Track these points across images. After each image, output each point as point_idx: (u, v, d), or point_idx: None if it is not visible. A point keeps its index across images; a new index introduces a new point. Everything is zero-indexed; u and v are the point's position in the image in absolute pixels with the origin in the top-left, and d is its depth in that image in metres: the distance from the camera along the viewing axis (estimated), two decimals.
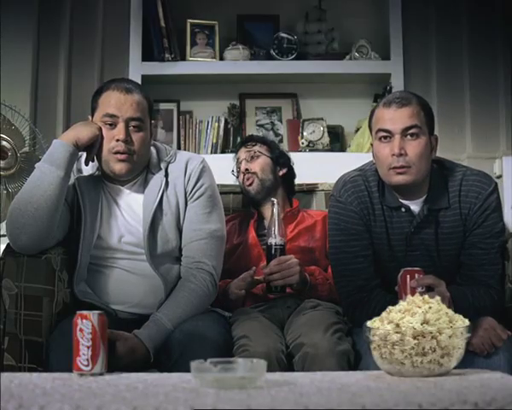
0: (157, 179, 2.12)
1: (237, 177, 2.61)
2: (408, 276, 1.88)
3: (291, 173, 2.62)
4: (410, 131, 1.99)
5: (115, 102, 2.04)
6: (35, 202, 1.99)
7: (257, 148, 2.57)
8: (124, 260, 2.10)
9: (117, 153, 2.04)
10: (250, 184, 2.52)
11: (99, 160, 2.11)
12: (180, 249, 2.13)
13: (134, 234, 2.10)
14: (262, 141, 2.62)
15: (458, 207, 2.06)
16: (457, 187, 2.07)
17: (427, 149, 2.01)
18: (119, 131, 2.03)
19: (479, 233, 2.05)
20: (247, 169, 2.53)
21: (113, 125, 2.04)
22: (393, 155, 1.98)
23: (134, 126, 2.05)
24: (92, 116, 2.12)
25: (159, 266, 2.08)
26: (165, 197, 2.11)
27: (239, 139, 3.33)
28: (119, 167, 2.06)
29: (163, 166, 2.13)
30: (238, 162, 2.59)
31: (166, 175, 2.13)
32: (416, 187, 2.04)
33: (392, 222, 2.08)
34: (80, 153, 2.11)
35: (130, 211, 2.13)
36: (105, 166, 2.09)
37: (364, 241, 2.08)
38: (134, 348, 1.89)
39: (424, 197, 2.06)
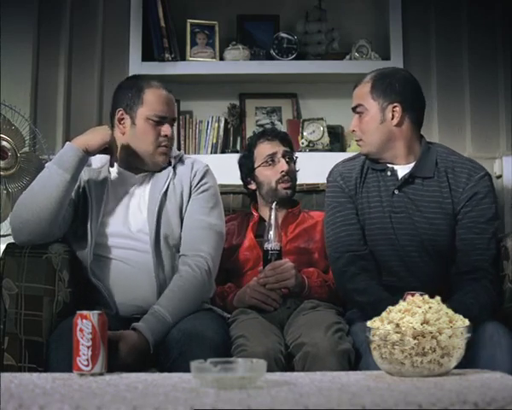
0: (166, 171, 2.25)
1: (247, 164, 2.58)
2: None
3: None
4: (357, 110, 2.24)
5: (163, 102, 2.22)
6: (40, 202, 2.05)
7: (291, 150, 2.59)
8: (127, 251, 2.14)
9: (163, 147, 2.22)
10: (287, 188, 2.51)
11: (129, 154, 2.23)
12: (180, 239, 2.19)
13: (139, 219, 2.17)
14: (291, 143, 2.63)
15: (446, 180, 2.18)
16: (449, 164, 2.20)
17: (375, 122, 2.20)
18: (167, 128, 2.22)
19: (472, 216, 2.13)
20: (287, 171, 2.50)
21: (158, 123, 2.20)
22: (353, 130, 2.27)
23: (172, 124, 2.25)
24: (130, 109, 2.21)
25: (159, 252, 2.13)
26: (171, 185, 2.22)
27: (239, 139, 3.33)
28: (162, 159, 2.24)
29: (172, 161, 2.26)
30: (268, 152, 2.53)
31: (174, 169, 2.25)
32: (384, 154, 2.21)
33: (380, 186, 2.22)
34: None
35: (137, 198, 2.22)
36: (147, 158, 2.22)
37: (347, 211, 2.23)
38: (135, 343, 1.91)
39: (412, 164, 2.21)
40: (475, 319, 1.93)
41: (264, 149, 2.55)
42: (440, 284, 2.07)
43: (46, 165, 2.14)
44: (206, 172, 2.28)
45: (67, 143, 2.13)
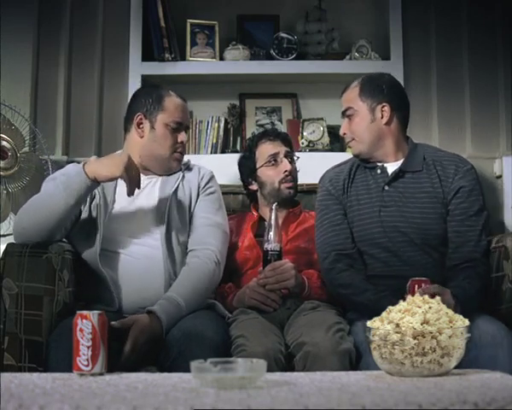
0: (175, 174, 2.36)
1: (247, 164, 2.61)
2: (416, 286, 1.92)
3: None
4: (347, 113, 2.35)
5: (181, 110, 2.35)
6: (42, 215, 2.09)
7: (291, 150, 2.62)
8: (135, 245, 2.19)
9: (178, 153, 2.34)
10: (290, 187, 2.54)
11: (143, 156, 2.33)
12: (188, 236, 2.26)
13: (148, 215, 2.24)
14: (292, 150, 2.65)
15: (435, 172, 2.28)
16: (436, 158, 2.32)
17: (365, 122, 2.31)
18: (183, 135, 2.34)
19: (464, 207, 2.24)
20: (291, 171, 2.54)
21: (176, 129, 2.32)
22: (344, 134, 2.39)
23: (186, 132, 2.38)
24: (150, 115, 2.32)
25: (171, 246, 2.19)
26: (180, 186, 2.32)
27: (239, 139, 3.33)
28: (175, 164, 2.36)
29: (182, 166, 2.38)
30: (271, 152, 2.56)
31: (182, 173, 2.36)
32: (374, 153, 2.32)
33: (369, 184, 2.32)
34: (94, 157, 2.40)
35: (146, 196, 2.29)
36: (161, 162, 2.33)
37: (333, 213, 2.32)
38: (146, 324, 1.94)
39: (401, 161, 2.32)
40: (472, 300, 2.06)
41: (266, 149, 2.57)
42: (432, 272, 2.14)
43: (58, 178, 2.14)
44: (212, 178, 2.40)
45: (81, 165, 2.12)
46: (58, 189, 2.10)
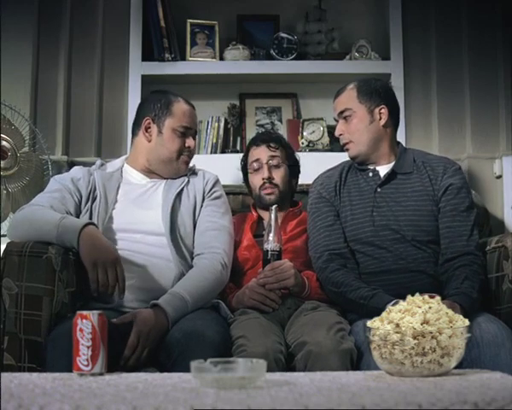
0: (180, 178, 2.38)
1: (243, 168, 2.62)
2: None
3: (297, 179, 2.67)
4: (344, 115, 2.37)
5: (189, 115, 2.39)
6: (33, 234, 2.09)
7: (279, 154, 2.56)
8: (137, 244, 2.19)
9: (186, 155, 2.37)
10: (269, 194, 2.52)
11: (150, 159, 2.36)
12: (193, 241, 2.27)
13: (152, 216, 2.24)
14: (282, 145, 2.60)
15: (425, 172, 2.34)
16: (426, 160, 2.38)
17: (364, 123, 2.35)
18: (191, 141, 2.38)
19: (455, 204, 2.28)
20: (269, 177, 2.52)
21: (183, 134, 2.36)
22: (340, 134, 2.40)
23: (194, 136, 2.42)
24: (158, 119, 2.34)
25: (176, 249, 2.19)
26: (185, 189, 2.35)
27: (239, 139, 3.33)
28: (184, 167, 2.39)
29: (188, 171, 2.41)
30: (254, 158, 2.56)
31: (187, 177, 2.39)
32: (371, 155, 2.37)
33: (361, 186, 2.37)
34: (100, 161, 2.41)
35: (150, 198, 2.31)
36: (169, 165, 2.35)
37: (324, 214, 2.35)
38: (150, 315, 1.95)
39: (392, 164, 2.37)
40: (475, 303, 2.09)
41: (252, 155, 2.60)
42: (424, 266, 2.22)
43: (58, 218, 2.08)
44: (217, 182, 2.42)
45: (83, 222, 2.07)
46: (54, 223, 2.06)
